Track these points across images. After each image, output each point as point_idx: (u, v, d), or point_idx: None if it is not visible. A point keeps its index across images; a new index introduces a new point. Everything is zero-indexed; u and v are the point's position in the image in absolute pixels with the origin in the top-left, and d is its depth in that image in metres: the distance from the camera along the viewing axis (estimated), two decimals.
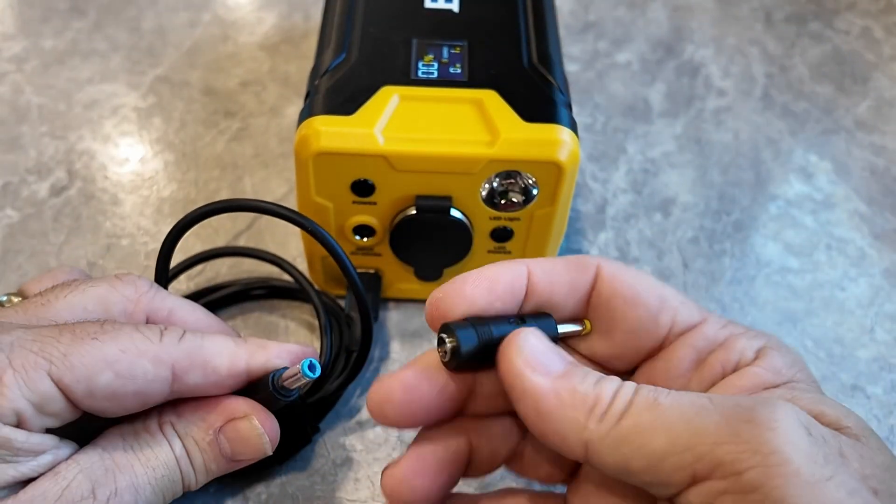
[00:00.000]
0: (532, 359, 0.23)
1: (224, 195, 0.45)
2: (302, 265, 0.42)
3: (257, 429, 0.28)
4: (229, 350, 0.28)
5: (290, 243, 0.43)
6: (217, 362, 0.28)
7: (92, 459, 0.26)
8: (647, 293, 0.25)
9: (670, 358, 0.26)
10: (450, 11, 0.39)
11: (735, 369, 0.25)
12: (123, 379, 0.25)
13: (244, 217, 0.44)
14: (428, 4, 0.39)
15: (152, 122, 0.49)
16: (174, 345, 0.27)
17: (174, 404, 0.28)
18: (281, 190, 0.46)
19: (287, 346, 0.30)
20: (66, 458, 0.26)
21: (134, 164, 0.47)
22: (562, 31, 0.47)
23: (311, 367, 0.27)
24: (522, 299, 0.25)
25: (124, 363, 0.25)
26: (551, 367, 0.23)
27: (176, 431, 0.28)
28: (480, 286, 0.25)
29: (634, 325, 0.26)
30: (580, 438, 0.22)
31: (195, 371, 0.27)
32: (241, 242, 0.43)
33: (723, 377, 0.25)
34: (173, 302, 0.31)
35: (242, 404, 0.29)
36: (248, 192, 0.45)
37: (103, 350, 0.25)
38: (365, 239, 0.36)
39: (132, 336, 0.26)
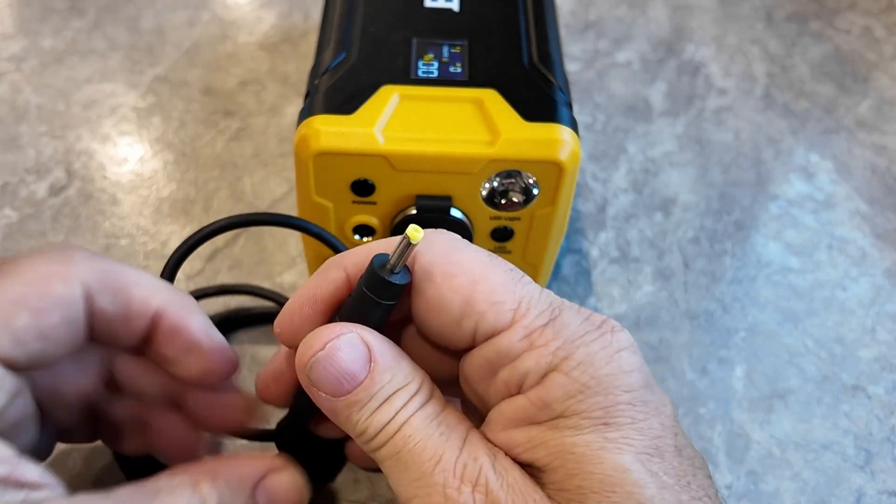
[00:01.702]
0: (323, 381, 0.23)
1: (223, 195, 0.45)
2: (302, 265, 0.42)
3: (297, 480, 0.26)
4: (149, 284, 0.26)
5: (290, 243, 0.43)
6: (133, 291, 0.26)
7: None
8: (452, 296, 0.23)
9: (471, 363, 0.24)
10: (450, 11, 0.39)
11: (518, 391, 0.23)
12: (41, 313, 0.24)
13: None
14: (428, 3, 0.39)
15: (151, 121, 0.49)
16: (85, 261, 0.25)
17: (205, 466, 0.25)
18: (281, 190, 0.45)
19: (213, 331, 0.28)
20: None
21: (133, 164, 0.46)
22: (562, 31, 0.47)
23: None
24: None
25: (34, 296, 0.24)
26: (338, 390, 0.23)
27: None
28: (304, 310, 0.25)
29: (437, 330, 0.24)
30: (364, 443, 0.24)
31: (107, 293, 0.25)
32: (241, 242, 0.43)
33: (509, 395, 0.23)
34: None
35: (277, 459, 0.27)
36: (248, 191, 0.45)
37: (7, 291, 0.23)
38: (365, 239, 0.36)
39: (33, 264, 0.24)
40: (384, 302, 0.24)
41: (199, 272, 0.41)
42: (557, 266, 0.43)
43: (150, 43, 0.54)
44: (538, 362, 0.22)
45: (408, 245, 0.23)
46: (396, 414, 0.23)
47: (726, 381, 0.39)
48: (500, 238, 0.36)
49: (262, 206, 0.44)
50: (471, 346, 0.24)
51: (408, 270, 0.24)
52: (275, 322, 0.26)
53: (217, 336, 0.28)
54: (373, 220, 0.35)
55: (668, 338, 0.40)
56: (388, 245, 0.24)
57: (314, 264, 0.39)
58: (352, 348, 0.23)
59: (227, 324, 0.39)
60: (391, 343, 0.24)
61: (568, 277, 0.42)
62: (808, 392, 0.38)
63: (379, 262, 0.23)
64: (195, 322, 0.27)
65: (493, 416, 0.24)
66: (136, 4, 0.57)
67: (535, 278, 0.38)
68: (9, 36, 0.54)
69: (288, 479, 0.26)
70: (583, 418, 0.22)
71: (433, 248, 0.24)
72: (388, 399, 0.23)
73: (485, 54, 0.36)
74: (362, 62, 0.35)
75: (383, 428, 0.23)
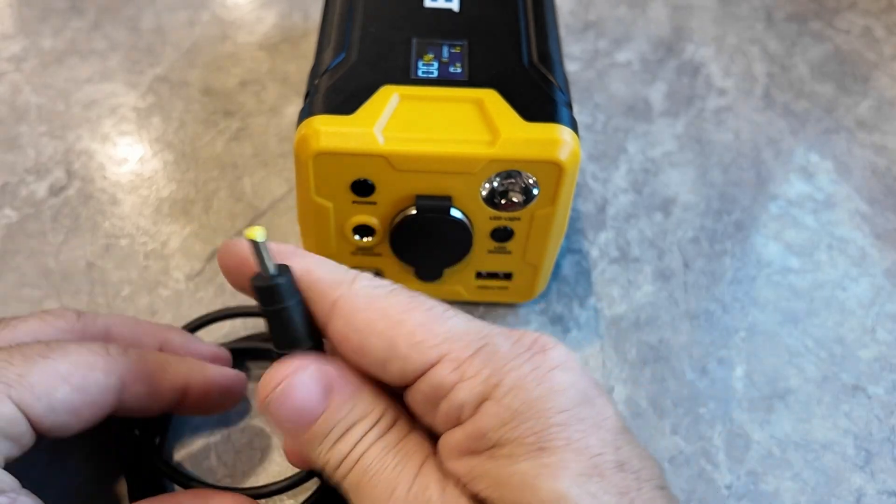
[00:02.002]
0: (283, 419, 0.24)
1: (223, 195, 0.45)
2: None
3: None
4: (172, 367, 0.30)
5: (290, 243, 0.43)
6: (159, 376, 0.29)
7: None
8: (375, 343, 0.23)
9: (413, 398, 0.24)
10: (450, 11, 0.39)
11: (456, 423, 0.23)
12: (79, 392, 0.26)
13: (243, 217, 0.44)
14: (428, 3, 0.39)
15: (151, 121, 0.49)
16: (120, 356, 0.28)
17: None
18: (280, 190, 0.45)
19: (224, 369, 0.33)
20: None
21: (133, 164, 0.46)
22: (562, 31, 0.47)
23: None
24: None
25: (78, 376, 0.26)
26: (296, 427, 0.24)
27: None
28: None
29: (370, 372, 0.24)
30: (328, 474, 0.25)
31: (140, 383, 0.29)
32: None
33: (452, 426, 0.23)
34: (106, 321, 0.32)
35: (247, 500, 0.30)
36: (248, 192, 0.45)
37: (56, 366, 0.26)
38: (365, 239, 0.36)
39: (80, 351, 0.27)
40: (279, 306, 0.24)
41: (199, 272, 0.41)
42: (557, 266, 0.43)
43: (150, 43, 0.54)
44: (470, 392, 0.22)
45: (254, 246, 0.23)
46: (355, 446, 0.24)
47: (726, 381, 0.39)
48: (500, 238, 0.36)
49: (262, 206, 0.44)
50: (408, 384, 0.24)
51: (282, 267, 0.25)
52: (217, 256, 0.27)
53: (230, 376, 0.33)
54: (373, 221, 0.35)
55: (668, 338, 0.40)
56: (329, 270, 0.25)
57: None
58: (310, 382, 0.24)
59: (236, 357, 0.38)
60: (353, 373, 0.25)
61: (568, 277, 0.42)
62: (808, 392, 0.38)
63: (255, 279, 0.24)
64: (216, 382, 0.32)
65: (440, 446, 0.24)
66: (136, 4, 0.57)
67: (535, 278, 0.38)
68: (9, 36, 0.54)
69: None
70: (517, 446, 0.21)
71: (356, 296, 0.24)
72: (347, 431, 0.24)
73: (485, 54, 0.36)
74: (362, 62, 0.35)
75: (343, 460, 0.24)
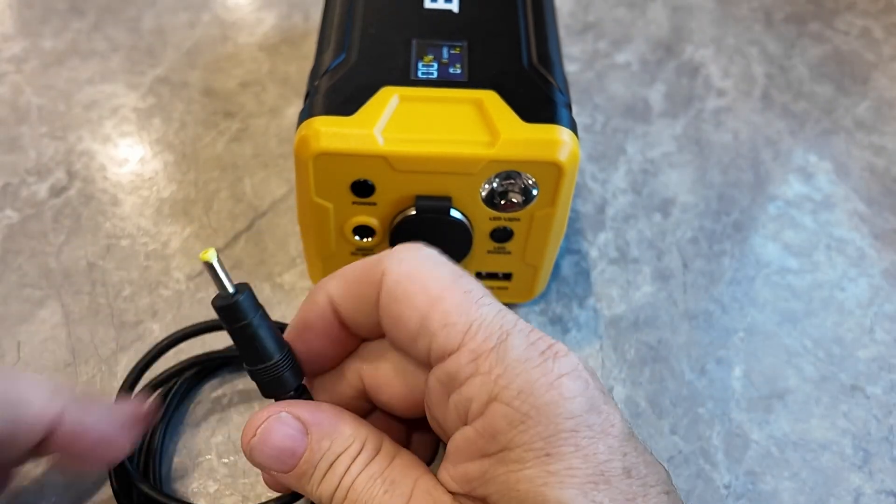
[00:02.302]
0: (266, 463, 0.25)
1: (224, 196, 0.45)
2: (302, 266, 0.42)
3: None
4: (42, 398, 0.26)
5: (290, 244, 0.43)
6: (23, 409, 0.26)
7: None
8: (410, 314, 0.23)
9: (430, 388, 0.24)
10: (449, 12, 0.39)
11: (465, 420, 0.23)
12: None
13: (244, 217, 0.44)
14: (427, 4, 0.39)
15: (152, 122, 0.49)
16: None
17: None
18: (280, 190, 0.46)
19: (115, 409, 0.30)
20: None
21: (133, 165, 0.47)
22: (561, 32, 0.47)
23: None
24: (337, 323, 0.26)
25: None
26: (282, 467, 0.25)
27: None
28: (297, 344, 0.27)
29: (399, 345, 0.25)
30: None
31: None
32: (241, 244, 0.43)
33: (464, 424, 0.23)
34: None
35: None
36: (248, 192, 0.45)
37: None
38: (365, 239, 0.36)
39: None
40: (242, 322, 0.25)
41: (199, 273, 0.41)
42: (557, 266, 0.43)
43: (151, 44, 0.54)
44: (480, 390, 0.22)
45: (208, 268, 0.24)
46: (342, 478, 0.24)
47: (725, 381, 0.39)
48: (500, 239, 0.36)
49: (262, 207, 0.45)
50: (431, 365, 0.24)
51: (241, 286, 0.25)
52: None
53: (116, 422, 0.29)
54: (373, 221, 0.35)
55: (667, 338, 0.40)
56: (362, 264, 0.25)
57: (314, 264, 0.39)
58: (284, 426, 0.24)
59: (205, 370, 0.37)
60: (328, 407, 0.25)
61: (567, 278, 0.42)
62: (806, 392, 0.39)
63: (215, 300, 0.25)
64: (92, 424, 0.28)
65: (450, 447, 0.24)
66: (137, 6, 0.57)
67: (534, 279, 0.39)
68: (9, 37, 0.54)
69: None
70: (525, 450, 0.21)
71: (401, 265, 0.24)
72: (331, 466, 0.24)
73: (484, 55, 0.36)
74: (362, 63, 0.35)
75: (333, 494, 0.24)
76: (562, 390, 0.22)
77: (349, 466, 0.24)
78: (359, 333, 0.27)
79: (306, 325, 0.26)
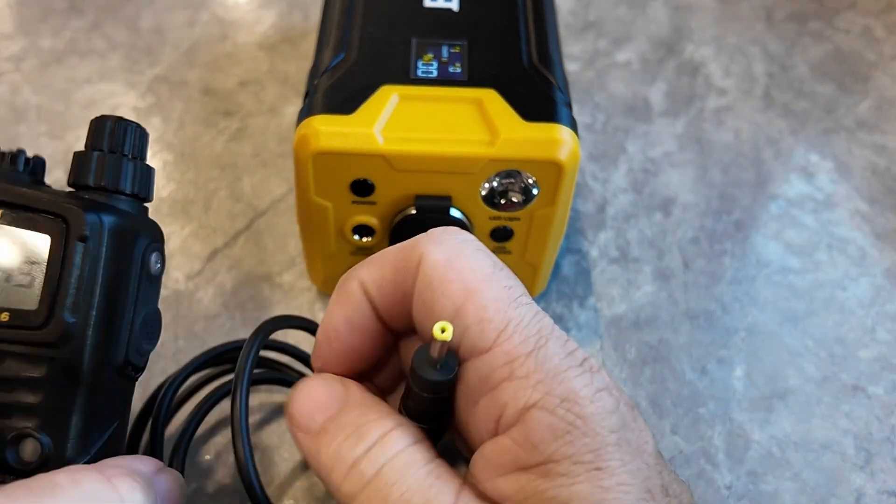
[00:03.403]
0: (297, 413, 0.23)
1: (223, 195, 0.45)
2: (302, 266, 0.42)
3: (181, 479, 0.26)
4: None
5: (290, 243, 0.43)
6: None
7: None
8: (444, 303, 0.22)
9: (464, 380, 0.23)
10: (449, 10, 0.39)
11: (496, 429, 0.21)
12: None
13: (243, 217, 0.44)
14: (427, 3, 0.39)
15: (151, 121, 0.49)
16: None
17: None
18: (280, 190, 0.45)
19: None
20: None
21: None
22: (562, 30, 0.47)
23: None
24: (374, 315, 0.24)
25: None
26: (311, 423, 0.22)
27: None
28: (332, 343, 0.24)
29: (429, 334, 0.22)
30: (338, 492, 0.22)
31: None
32: (240, 243, 0.43)
33: (494, 432, 0.22)
34: None
35: (158, 461, 0.25)
36: (248, 192, 0.45)
37: None
38: (365, 239, 0.36)
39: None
40: (441, 395, 0.23)
41: (198, 272, 0.41)
42: (557, 266, 0.42)
43: (150, 43, 0.54)
44: (516, 395, 0.21)
45: (439, 342, 0.21)
46: (369, 450, 0.21)
47: (726, 381, 0.39)
48: (500, 238, 0.36)
49: (261, 206, 0.44)
50: (461, 361, 0.23)
51: (453, 358, 0.22)
52: (311, 358, 0.26)
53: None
54: (372, 221, 0.35)
55: (668, 338, 0.40)
56: (397, 249, 0.24)
57: (313, 264, 0.39)
58: (326, 385, 0.23)
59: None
60: (372, 395, 0.23)
61: (568, 277, 0.42)
62: (807, 392, 0.38)
63: (419, 357, 0.22)
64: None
65: (478, 461, 0.22)
66: (136, 4, 0.57)
67: (534, 278, 0.38)
68: (8, 36, 0.54)
69: (175, 476, 0.25)
70: (573, 463, 0.20)
71: (439, 249, 0.23)
72: (357, 429, 0.22)
73: (484, 54, 0.36)
74: (362, 62, 0.35)
75: (354, 464, 0.21)
76: (603, 403, 0.21)
77: (382, 437, 0.21)
78: (394, 327, 0.25)
79: (341, 320, 0.24)
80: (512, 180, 0.33)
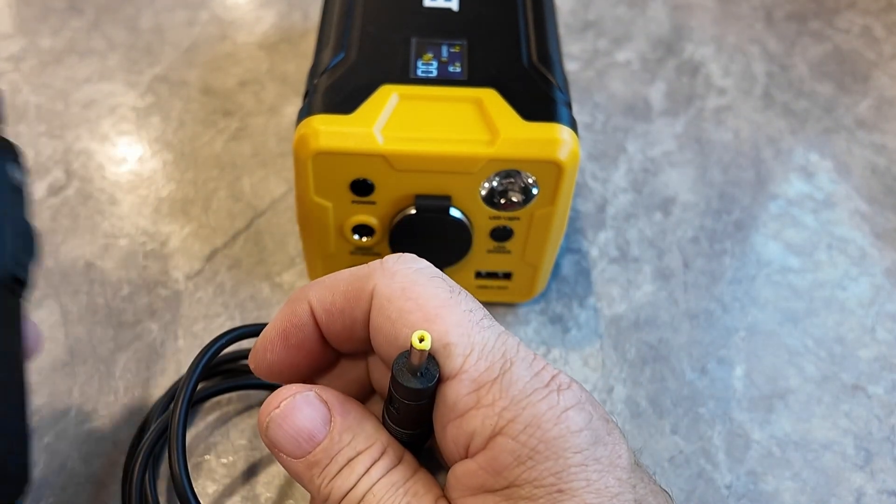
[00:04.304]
0: (282, 440, 0.23)
1: (223, 195, 0.45)
2: (301, 266, 0.42)
3: None
4: None
5: (290, 243, 0.43)
6: None
7: None
8: (406, 334, 0.22)
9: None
10: (449, 10, 0.38)
11: (466, 453, 0.22)
12: None
13: (243, 216, 0.44)
14: (427, 3, 0.39)
15: (150, 121, 0.49)
16: None
17: None
18: (280, 189, 0.45)
19: None
20: None
21: (132, 164, 0.46)
22: (562, 30, 0.47)
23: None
24: (317, 337, 0.24)
25: None
26: (297, 451, 0.23)
27: None
28: (275, 346, 0.24)
29: (390, 364, 0.23)
30: None
31: None
32: (240, 243, 0.43)
33: (464, 455, 0.22)
34: None
35: None
36: (247, 191, 0.45)
37: None
38: (364, 238, 0.36)
39: None
40: (422, 402, 0.23)
41: (198, 272, 0.41)
42: (557, 266, 0.42)
43: (149, 43, 0.54)
44: (483, 423, 0.21)
45: (417, 351, 0.21)
46: (359, 480, 0.22)
47: (726, 380, 0.39)
48: (500, 238, 0.36)
49: (261, 206, 0.44)
50: None
51: (434, 365, 0.22)
52: (249, 358, 0.26)
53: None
54: (372, 220, 0.35)
55: (668, 337, 0.40)
56: (350, 277, 0.24)
57: (313, 264, 0.39)
58: (309, 407, 0.23)
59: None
60: (356, 403, 0.24)
61: (568, 277, 0.42)
62: (807, 392, 0.38)
63: (399, 365, 0.22)
64: None
65: (451, 479, 0.23)
66: (135, 4, 0.57)
67: (534, 278, 0.38)
68: (7, 36, 0.54)
69: None
70: (535, 487, 0.20)
71: (392, 281, 0.23)
72: (349, 463, 0.22)
73: (484, 54, 0.36)
74: (361, 62, 0.35)
75: (346, 495, 0.22)
76: (569, 423, 0.21)
77: (369, 468, 0.22)
78: (339, 349, 0.25)
79: (282, 334, 0.24)
80: (512, 180, 0.33)
